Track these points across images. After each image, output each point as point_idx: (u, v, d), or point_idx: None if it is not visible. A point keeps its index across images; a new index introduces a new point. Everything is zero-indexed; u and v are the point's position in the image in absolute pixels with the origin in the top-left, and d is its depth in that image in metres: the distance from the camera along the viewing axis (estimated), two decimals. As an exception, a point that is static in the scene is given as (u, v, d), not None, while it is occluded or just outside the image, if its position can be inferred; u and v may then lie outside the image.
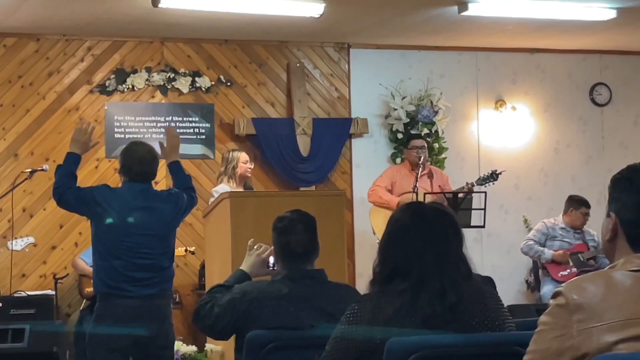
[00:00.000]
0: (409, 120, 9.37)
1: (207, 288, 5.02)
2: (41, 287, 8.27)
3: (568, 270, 8.33)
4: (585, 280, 2.19)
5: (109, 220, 5.06)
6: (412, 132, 9.22)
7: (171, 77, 8.84)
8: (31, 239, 7.63)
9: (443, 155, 9.47)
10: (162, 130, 8.65)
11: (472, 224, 7.79)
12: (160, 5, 7.41)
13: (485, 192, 7.99)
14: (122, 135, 8.63)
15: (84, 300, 7.95)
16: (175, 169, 5.43)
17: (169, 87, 8.84)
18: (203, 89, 8.94)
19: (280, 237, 3.86)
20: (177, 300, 8.28)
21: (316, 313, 3.66)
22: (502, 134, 9.79)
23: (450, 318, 2.86)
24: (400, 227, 2.99)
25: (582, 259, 8.39)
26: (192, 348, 7.22)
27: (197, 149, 8.89)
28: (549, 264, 8.43)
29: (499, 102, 9.83)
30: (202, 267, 7.99)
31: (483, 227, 8.13)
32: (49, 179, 6.24)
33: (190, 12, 7.80)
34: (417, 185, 7.84)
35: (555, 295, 2.18)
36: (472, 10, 7.90)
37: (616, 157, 9.89)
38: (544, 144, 9.98)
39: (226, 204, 6.34)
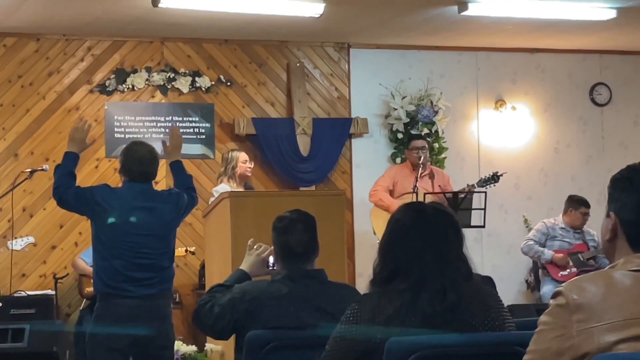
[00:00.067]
0: (409, 120, 9.37)
1: (207, 288, 5.02)
2: (41, 287, 8.27)
3: (568, 270, 8.33)
4: (585, 280, 2.19)
5: (111, 220, 5.06)
6: (412, 132, 9.22)
7: (171, 77, 8.85)
8: (31, 239, 7.63)
9: (443, 155, 9.48)
10: (162, 130, 8.67)
11: (472, 224, 7.80)
12: (160, 5, 7.41)
13: (485, 192, 8.00)
14: (122, 135, 8.64)
15: (84, 300, 7.95)
16: (176, 168, 5.44)
17: (169, 87, 8.85)
18: (203, 89, 8.94)
19: (280, 236, 3.85)
20: (177, 300, 8.28)
21: (316, 313, 3.66)
22: (502, 133, 9.79)
23: (451, 318, 2.85)
24: (400, 227, 2.99)
25: (582, 259, 8.39)
26: (192, 348, 7.22)
27: (197, 149, 8.89)
28: (548, 264, 8.43)
29: (499, 102, 9.83)
30: (202, 267, 7.99)
31: (483, 227, 8.14)
32: (49, 179, 6.24)
33: (190, 12, 7.80)
34: (417, 185, 7.85)
35: (555, 295, 2.18)
36: (472, 10, 7.90)
37: (616, 157, 9.89)
38: (544, 144, 9.98)
39: (226, 203, 6.34)
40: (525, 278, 9.52)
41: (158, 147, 5.49)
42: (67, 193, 5.14)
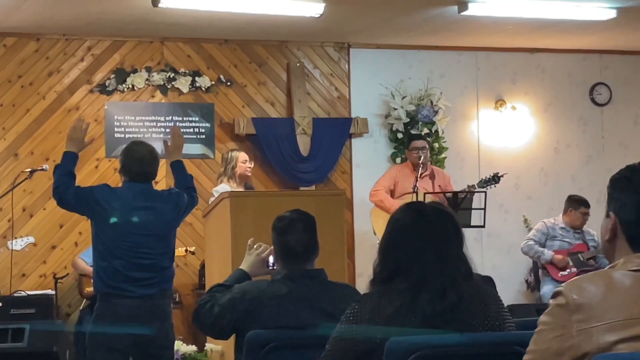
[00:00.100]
0: (409, 120, 9.37)
1: (207, 288, 5.02)
2: (41, 287, 8.27)
3: (568, 270, 8.33)
4: (585, 280, 2.19)
5: (112, 220, 5.06)
6: (412, 131, 9.21)
7: (171, 76, 8.85)
8: (31, 239, 7.63)
9: (443, 155, 9.47)
10: (162, 130, 8.67)
11: (472, 224, 7.80)
12: (160, 5, 7.41)
13: (485, 192, 8.00)
14: (122, 135, 8.64)
15: (84, 300, 7.95)
16: (177, 168, 5.44)
17: (169, 86, 8.85)
18: (203, 89, 8.94)
19: (280, 236, 3.85)
20: (177, 300, 8.28)
21: (316, 313, 3.65)
22: (502, 133, 9.79)
23: (451, 318, 2.85)
24: (400, 227, 2.99)
25: (582, 259, 8.39)
26: (192, 348, 7.22)
27: (197, 149, 8.89)
28: (548, 264, 8.43)
29: (499, 102, 9.83)
30: (202, 267, 7.99)
31: (483, 227, 8.13)
32: (49, 179, 6.23)
33: (190, 12, 7.80)
34: (417, 185, 7.85)
35: (555, 295, 2.18)
36: (472, 10, 7.90)
37: (616, 157, 9.89)
38: (544, 143, 9.98)
39: (226, 203, 6.34)
40: (525, 278, 9.52)
41: (158, 147, 5.49)
42: (67, 193, 5.14)
